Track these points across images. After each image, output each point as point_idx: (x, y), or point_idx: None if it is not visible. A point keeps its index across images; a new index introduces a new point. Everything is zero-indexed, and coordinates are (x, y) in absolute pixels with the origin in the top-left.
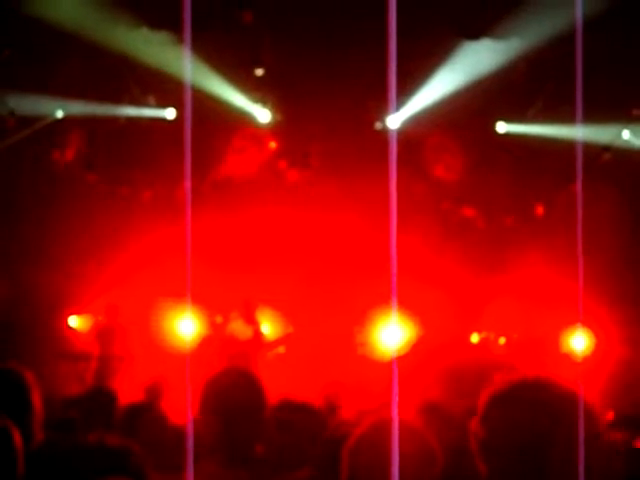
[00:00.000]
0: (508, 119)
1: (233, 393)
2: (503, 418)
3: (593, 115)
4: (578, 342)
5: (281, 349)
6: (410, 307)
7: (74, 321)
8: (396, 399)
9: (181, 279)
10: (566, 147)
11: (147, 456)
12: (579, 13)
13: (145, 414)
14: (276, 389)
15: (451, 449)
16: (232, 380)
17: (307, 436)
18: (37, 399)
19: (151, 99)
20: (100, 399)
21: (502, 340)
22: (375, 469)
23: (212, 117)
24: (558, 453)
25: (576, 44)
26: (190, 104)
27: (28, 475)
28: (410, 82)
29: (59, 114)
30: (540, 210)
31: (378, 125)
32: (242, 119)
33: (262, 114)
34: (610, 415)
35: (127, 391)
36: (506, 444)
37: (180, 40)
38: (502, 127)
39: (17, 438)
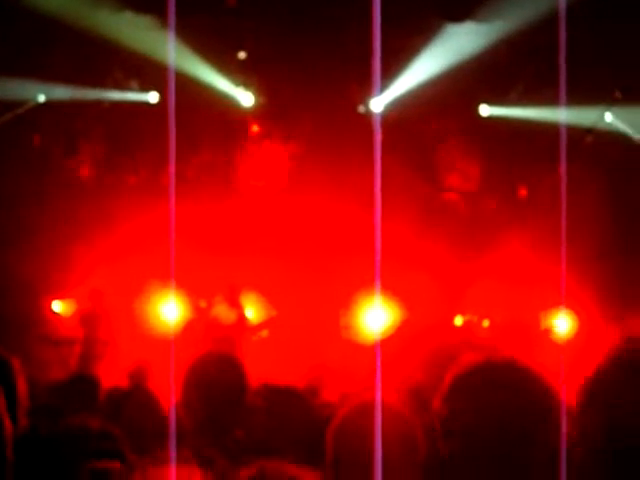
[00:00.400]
0: (491, 102)
1: (214, 377)
2: (465, 399)
3: (575, 98)
4: (561, 324)
5: (265, 333)
6: (394, 290)
7: (58, 306)
8: (379, 382)
9: (165, 263)
10: (549, 130)
11: (129, 440)
12: None
13: (128, 398)
14: (260, 373)
15: (430, 433)
16: (213, 364)
17: (290, 420)
18: (22, 386)
19: (134, 83)
20: (82, 386)
21: (486, 323)
22: (359, 451)
23: (195, 101)
24: (522, 437)
25: (559, 27)
26: (173, 88)
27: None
28: (393, 65)
29: (41, 99)
30: (523, 192)
31: (361, 108)
32: (225, 102)
33: (245, 97)
34: None
35: (111, 375)
36: (467, 425)
37: (164, 24)
38: (485, 110)
39: (7, 424)
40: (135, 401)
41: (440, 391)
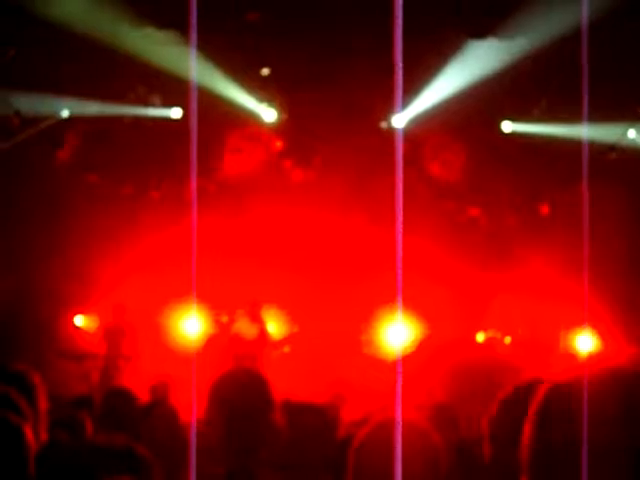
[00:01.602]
0: (514, 118)
1: (241, 394)
2: (519, 410)
3: (599, 114)
4: (584, 342)
5: (287, 348)
6: (416, 306)
7: (80, 321)
8: (401, 398)
9: (187, 279)
10: (572, 146)
11: (153, 456)
12: (585, 12)
13: (151, 413)
14: (281, 388)
15: (457, 449)
16: (240, 381)
17: (311, 436)
18: (43, 401)
19: (157, 99)
20: (119, 400)
21: (508, 339)
22: (380, 469)
23: (218, 116)
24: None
25: (581, 43)
26: (195, 103)
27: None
28: (416, 81)
29: (65, 114)
30: (545, 209)
31: (384, 124)
32: (248, 118)
33: (268, 113)
34: None
35: (134, 390)
36: (512, 433)
37: (186, 40)
38: (508, 126)
39: (30, 437)
40: (157, 417)
41: (498, 399)
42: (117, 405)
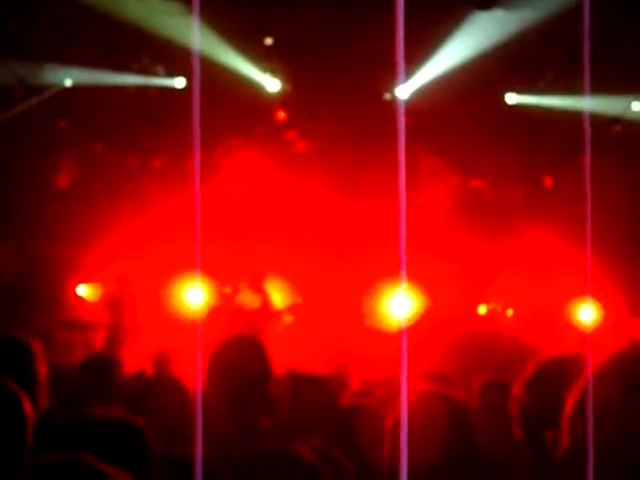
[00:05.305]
0: (518, 90)
1: (238, 360)
2: (546, 387)
3: (603, 87)
4: (586, 314)
5: (289, 319)
6: (418, 278)
7: (83, 290)
8: (405, 370)
9: (190, 249)
10: (576, 119)
11: (152, 428)
12: None
13: (152, 383)
14: (284, 359)
15: (455, 423)
16: (238, 347)
17: (316, 407)
18: (42, 368)
19: (160, 68)
20: (100, 367)
21: (510, 312)
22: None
23: (222, 86)
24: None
25: (583, 14)
26: (198, 73)
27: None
28: (420, 52)
29: (68, 83)
30: (549, 182)
31: (387, 96)
32: (252, 88)
33: (271, 84)
34: None
35: (135, 361)
36: (544, 412)
37: (190, 10)
38: (512, 98)
39: (27, 407)
40: (159, 387)
41: (522, 379)
42: (100, 372)
